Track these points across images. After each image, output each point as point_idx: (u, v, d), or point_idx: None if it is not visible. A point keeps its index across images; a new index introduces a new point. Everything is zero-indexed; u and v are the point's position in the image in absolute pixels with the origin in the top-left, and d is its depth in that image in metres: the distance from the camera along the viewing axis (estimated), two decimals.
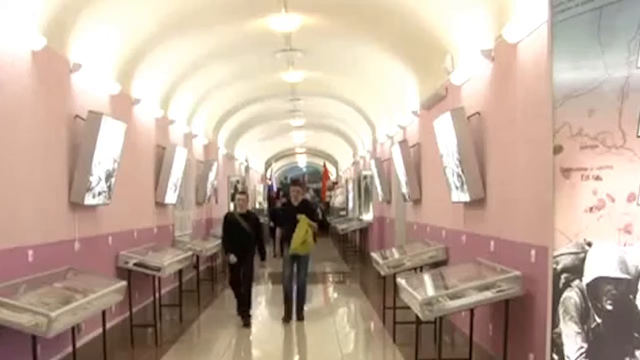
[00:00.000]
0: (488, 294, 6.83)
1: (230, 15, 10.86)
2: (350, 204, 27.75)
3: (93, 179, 8.82)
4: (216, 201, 20.10)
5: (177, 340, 9.99)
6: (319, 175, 42.85)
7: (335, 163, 39.33)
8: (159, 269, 10.32)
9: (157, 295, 10.97)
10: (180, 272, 12.16)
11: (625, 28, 3.61)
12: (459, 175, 8.87)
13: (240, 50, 12.98)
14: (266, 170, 40.05)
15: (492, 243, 8.07)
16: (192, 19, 10.36)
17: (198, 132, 17.07)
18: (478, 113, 8.64)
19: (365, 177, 22.30)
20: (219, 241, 16.87)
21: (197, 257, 14.40)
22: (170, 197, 13.35)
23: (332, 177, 41.32)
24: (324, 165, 39.60)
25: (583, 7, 3.96)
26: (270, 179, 42.09)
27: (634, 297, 3.57)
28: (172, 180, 13.22)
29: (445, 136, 9.16)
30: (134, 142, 11.24)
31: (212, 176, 18.40)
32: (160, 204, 13.05)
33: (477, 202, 8.61)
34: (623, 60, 3.62)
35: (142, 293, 11.22)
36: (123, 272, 10.02)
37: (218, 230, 18.58)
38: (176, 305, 12.06)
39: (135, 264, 10.26)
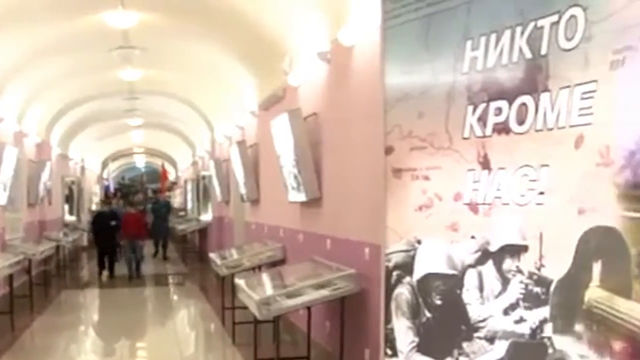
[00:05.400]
0: (324, 292, 6.94)
1: (63, 10, 10.50)
2: (190, 205, 27.51)
3: None
4: (49, 202, 19.47)
5: (9, 350, 9.58)
6: (157, 175, 42.20)
7: (174, 163, 38.84)
8: None
9: None
10: (10, 277, 11.62)
11: (452, 36, 3.78)
12: (295, 176, 8.97)
13: (74, 46, 12.56)
14: (103, 170, 39.07)
15: (328, 242, 8.21)
16: (22, 13, 9.95)
17: (30, 131, 16.44)
18: (315, 114, 8.76)
19: (204, 177, 22.17)
20: (53, 244, 16.39)
21: (30, 261, 13.83)
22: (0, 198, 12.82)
23: (171, 178, 40.81)
24: (163, 166, 39.05)
25: (414, 14, 4.10)
26: (107, 179, 41.13)
27: (461, 292, 3.75)
28: (1, 180, 12.69)
29: (283, 137, 9.24)
30: None
31: (45, 176, 17.80)
32: None
33: (314, 202, 8.73)
34: (450, 67, 3.79)
35: None
36: None
37: (52, 233, 18.08)
38: (6, 313, 11.52)
39: None
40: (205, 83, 15.58)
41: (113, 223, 18.26)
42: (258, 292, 7.21)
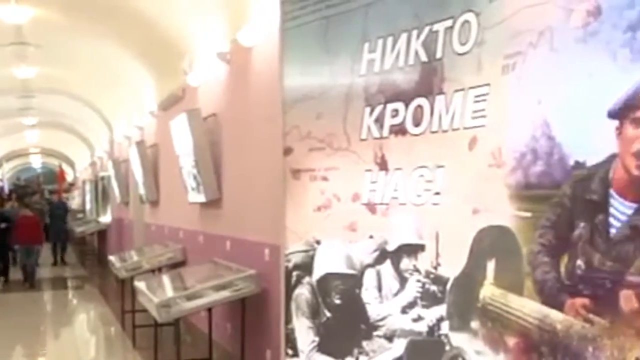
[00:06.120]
0: (225, 293, 6.92)
1: None
2: (88, 206, 26.98)
3: None
4: None
5: None
6: (54, 176, 41.25)
7: (72, 164, 38.05)
8: None
9: None
10: None
11: (350, 38, 3.81)
12: (195, 176, 8.91)
13: None
14: None
15: (228, 243, 8.18)
16: None
17: None
18: (214, 114, 8.72)
19: (102, 178, 21.79)
20: None
21: None
22: None
23: (69, 179, 39.98)
24: (60, 166, 38.20)
25: (312, 16, 4.12)
26: (1, 180, 40.01)
27: (360, 291, 3.79)
28: None
29: (182, 137, 9.17)
30: None
31: None
32: None
33: (213, 203, 8.69)
34: (348, 69, 3.83)
35: None
36: None
37: None
38: None
39: None
40: (104, 82, 15.31)
41: (2, 226, 17.35)
42: (158, 295, 7.14)
